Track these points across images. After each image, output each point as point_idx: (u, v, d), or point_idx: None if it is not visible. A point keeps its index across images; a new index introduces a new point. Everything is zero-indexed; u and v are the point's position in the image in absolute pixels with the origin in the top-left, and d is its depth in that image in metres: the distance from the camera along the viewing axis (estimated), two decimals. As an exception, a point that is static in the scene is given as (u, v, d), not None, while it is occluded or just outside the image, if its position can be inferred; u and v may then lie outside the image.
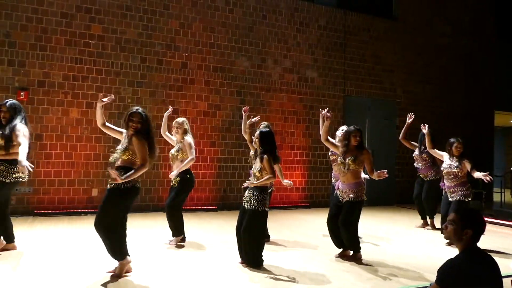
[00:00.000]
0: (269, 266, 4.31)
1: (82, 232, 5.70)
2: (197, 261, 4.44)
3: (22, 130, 4.30)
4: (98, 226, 3.61)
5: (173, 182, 5.20)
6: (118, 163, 3.73)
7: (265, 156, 4.21)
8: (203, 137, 8.37)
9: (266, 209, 4.28)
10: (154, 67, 8.04)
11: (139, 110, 3.80)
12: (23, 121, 4.42)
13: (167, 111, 5.69)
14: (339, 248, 4.83)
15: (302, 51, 9.46)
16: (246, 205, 4.28)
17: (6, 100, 4.50)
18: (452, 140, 5.58)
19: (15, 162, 4.25)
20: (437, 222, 6.76)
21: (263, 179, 4.19)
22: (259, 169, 4.23)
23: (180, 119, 5.38)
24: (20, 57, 7.12)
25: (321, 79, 9.65)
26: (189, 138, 5.20)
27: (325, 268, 4.37)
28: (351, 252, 4.73)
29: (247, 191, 4.31)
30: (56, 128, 7.31)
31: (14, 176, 4.34)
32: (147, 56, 7.99)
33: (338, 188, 4.78)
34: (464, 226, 2.38)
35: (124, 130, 3.87)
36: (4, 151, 4.30)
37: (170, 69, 8.17)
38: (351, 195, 4.59)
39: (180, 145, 5.27)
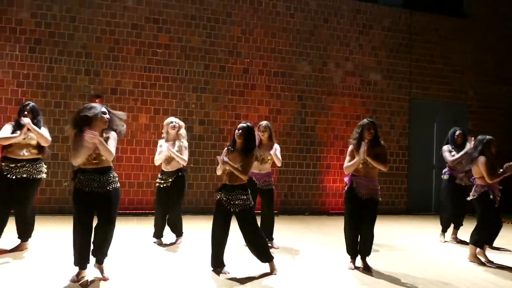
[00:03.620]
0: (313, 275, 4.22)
1: (150, 231, 5.94)
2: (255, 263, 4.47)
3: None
4: None
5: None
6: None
7: (251, 153, 4.03)
8: (264, 141, 8.42)
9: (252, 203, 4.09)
10: (217, 73, 8.26)
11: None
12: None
13: None
14: (355, 256, 4.44)
15: (365, 54, 9.24)
16: (235, 209, 4.01)
17: (28, 102, 4.74)
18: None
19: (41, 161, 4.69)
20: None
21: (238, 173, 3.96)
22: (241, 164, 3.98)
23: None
24: (95, 67, 7.64)
25: (385, 82, 9.35)
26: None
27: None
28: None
29: (228, 196, 4.02)
30: (127, 133, 7.69)
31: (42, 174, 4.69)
32: (210, 62, 8.23)
33: (356, 186, 4.32)
34: None
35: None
36: (37, 150, 4.63)
37: (232, 75, 8.35)
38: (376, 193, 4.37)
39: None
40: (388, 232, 6.79)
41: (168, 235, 5.40)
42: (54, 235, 5.51)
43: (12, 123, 4.61)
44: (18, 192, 4.52)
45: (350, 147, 4.44)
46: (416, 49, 9.59)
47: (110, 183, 3.64)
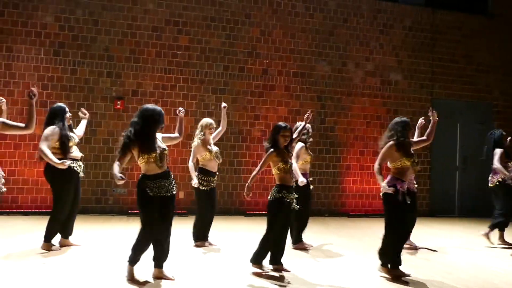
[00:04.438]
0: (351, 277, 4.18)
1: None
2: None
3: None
4: None
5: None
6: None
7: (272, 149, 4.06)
8: (283, 142, 8.40)
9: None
10: (236, 74, 8.29)
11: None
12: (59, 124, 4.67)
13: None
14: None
15: (385, 53, 9.12)
16: (294, 208, 4.12)
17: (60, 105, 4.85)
18: None
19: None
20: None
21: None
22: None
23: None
24: (117, 69, 7.77)
25: (406, 82, 9.21)
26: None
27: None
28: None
29: (293, 196, 4.08)
30: (147, 134, 7.83)
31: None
32: (229, 64, 8.26)
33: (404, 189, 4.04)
34: None
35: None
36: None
37: (251, 76, 8.36)
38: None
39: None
40: (411, 235, 6.65)
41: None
42: (95, 233, 5.61)
43: (58, 126, 4.64)
44: (78, 191, 4.84)
45: (390, 146, 4.11)
46: (439, 48, 9.41)
47: (174, 187, 3.78)
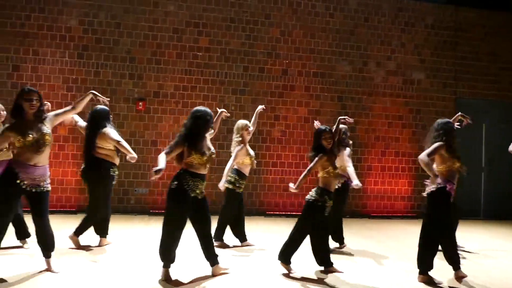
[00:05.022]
0: (377, 279, 4.13)
1: (190, 232, 6.04)
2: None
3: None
4: None
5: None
6: None
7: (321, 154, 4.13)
8: (303, 143, 8.37)
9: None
10: (256, 75, 8.30)
11: None
12: None
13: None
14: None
15: (407, 52, 8.98)
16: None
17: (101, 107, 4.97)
18: None
19: None
20: None
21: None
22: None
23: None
24: (138, 71, 7.89)
25: (428, 81, 9.05)
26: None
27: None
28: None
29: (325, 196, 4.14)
30: (168, 134, 7.93)
31: None
32: (249, 64, 8.28)
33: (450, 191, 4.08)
34: None
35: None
36: None
37: (271, 76, 8.36)
38: None
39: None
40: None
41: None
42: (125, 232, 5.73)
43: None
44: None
45: (440, 146, 3.98)
46: (462, 46, 9.22)
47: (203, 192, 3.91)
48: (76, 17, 7.74)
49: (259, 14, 8.38)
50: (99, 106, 4.86)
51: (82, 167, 4.90)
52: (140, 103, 7.82)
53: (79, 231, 4.80)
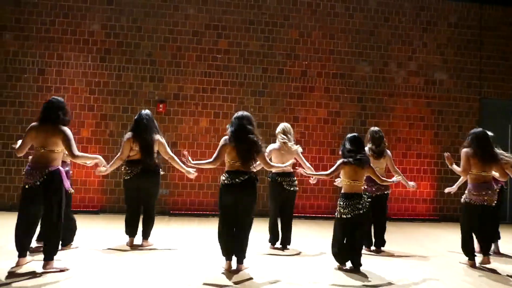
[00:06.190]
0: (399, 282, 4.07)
1: (210, 232, 6.08)
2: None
3: None
4: None
5: None
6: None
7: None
8: (323, 144, 8.32)
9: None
10: (275, 76, 8.30)
11: None
12: None
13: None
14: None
15: (429, 52, 8.81)
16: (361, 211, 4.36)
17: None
18: None
19: None
20: None
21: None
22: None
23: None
24: (159, 74, 8.01)
25: (451, 81, 8.86)
26: None
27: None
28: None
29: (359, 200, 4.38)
30: (188, 136, 8.02)
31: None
32: (268, 66, 8.29)
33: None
34: None
35: None
36: None
37: (290, 78, 8.34)
38: None
39: None
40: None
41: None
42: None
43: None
44: None
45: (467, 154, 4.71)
46: (487, 45, 8.98)
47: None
48: (99, 22, 7.91)
49: (278, 15, 8.39)
50: (146, 111, 5.11)
51: (134, 171, 4.92)
52: (160, 105, 7.93)
53: (147, 234, 5.08)
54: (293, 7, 8.43)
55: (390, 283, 4.03)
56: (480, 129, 4.93)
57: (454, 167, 4.86)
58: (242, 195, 4.04)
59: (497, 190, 4.80)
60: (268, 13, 8.35)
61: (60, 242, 4.09)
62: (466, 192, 4.81)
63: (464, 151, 4.71)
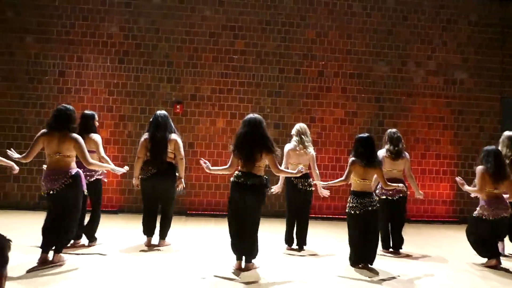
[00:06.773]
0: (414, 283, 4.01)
1: (226, 233, 6.09)
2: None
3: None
4: None
5: None
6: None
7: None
8: (340, 145, 8.25)
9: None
10: (291, 77, 8.28)
11: None
12: None
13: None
14: None
15: (449, 51, 8.65)
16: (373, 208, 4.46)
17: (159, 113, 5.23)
18: None
19: None
20: None
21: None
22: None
23: None
24: (176, 75, 8.07)
25: (472, 81, 8.67)
26: None
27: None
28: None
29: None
30: (205, 137, 8.06)
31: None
32: (285, 66, 8.27)
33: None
34: None
35: None
36: None
37: (306, 78, 8.31)
38: None
39: None
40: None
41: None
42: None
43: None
44: None
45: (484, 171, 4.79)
46: (510, 44, 8.76)
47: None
48: (117, 24, 8.03)
49: (294, 16, 8.36)
50: (163, 111, 5.19)
51: (150, 171, 4.97)
52: (177, 106, 8.00)
53: (164, 234, 5.15)
54: (309, 7, 8.39)
55: (405, 284, 3.98)
56: (492, 146, 4.95)
57: (466, 187, 4.84)
58: (246, 193, 4.09)
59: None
60: (284, 13, 8.33)
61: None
62: (478, 208, 4.82)
63: (479, 168, 4.72)
